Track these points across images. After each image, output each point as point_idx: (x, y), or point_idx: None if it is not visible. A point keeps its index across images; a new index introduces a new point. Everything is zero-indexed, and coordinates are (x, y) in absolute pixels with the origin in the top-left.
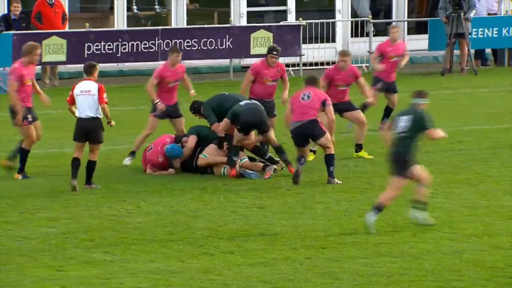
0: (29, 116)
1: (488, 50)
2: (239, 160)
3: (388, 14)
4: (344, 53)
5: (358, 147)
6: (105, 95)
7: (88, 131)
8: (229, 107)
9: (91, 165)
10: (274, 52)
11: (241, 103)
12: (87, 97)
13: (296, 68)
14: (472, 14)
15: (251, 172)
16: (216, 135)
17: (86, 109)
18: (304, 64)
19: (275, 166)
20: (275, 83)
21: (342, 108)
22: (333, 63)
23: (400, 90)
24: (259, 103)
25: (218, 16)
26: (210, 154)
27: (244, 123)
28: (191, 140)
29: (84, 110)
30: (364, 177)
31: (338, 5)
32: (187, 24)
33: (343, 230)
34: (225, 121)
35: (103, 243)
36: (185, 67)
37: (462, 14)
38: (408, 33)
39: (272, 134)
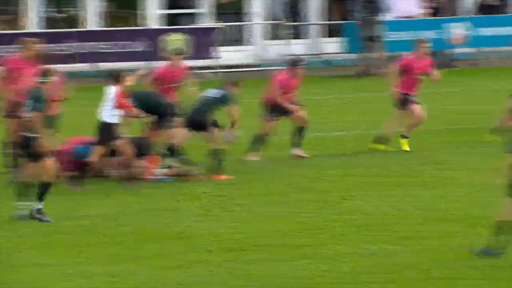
0: None
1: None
2: (158, 169)
3: (305, 17)
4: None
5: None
6: (123, 100)
7: None
8: (151, 102)
9: None
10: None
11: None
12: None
13: (214, 70)
14: (386, 18)
15: (166, 177)
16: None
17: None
18: (221, 67)
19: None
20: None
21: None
22: (249, 65)
23: (319, 93)
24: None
25: (134, 18)
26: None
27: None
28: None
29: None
30: (286, 180)
31: (254, 8)
32: (103, 27)
33: (264, 233)
34: None
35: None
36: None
37: (376, 17)
38: (324, 36)
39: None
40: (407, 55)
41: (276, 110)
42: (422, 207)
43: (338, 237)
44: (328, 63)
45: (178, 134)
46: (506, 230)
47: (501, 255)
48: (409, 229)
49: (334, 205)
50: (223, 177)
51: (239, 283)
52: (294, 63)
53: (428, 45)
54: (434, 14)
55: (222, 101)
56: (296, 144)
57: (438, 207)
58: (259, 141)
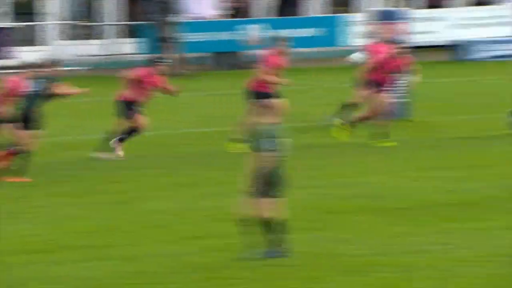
0: None
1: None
2: None
3: (101, 18)
4: None
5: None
6: None
7: None
8: None
9: None
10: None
11: None
12: None
13: (10, 71)
14: (184, 19)
15: None
16: None
17: None
18: (15, 67)
19: None
20: None
21: None
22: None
23: (115, 95)
24: None
25: None
26: None
27: None
28: None
29: None
30: (84, 181)
31: (51, 8)
32: None
33: (66, 234)
34: None
35: None
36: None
37: (169, 18)
38: (122, 37)
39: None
40: (269, 52)
41: (131, 108)
42: (206, 207)
43: (136, 237)
44: (126, 64)
45: (22, 137)
46: (271, 228)
47: (285, 253)
48: (192, 229)
49: (132, 205)
50: (19, 178)
51: (42, 286)
52: (155, 60)
53: (286, 42)
54: (234, 16)
55: (47, 87)
56: (117, 145)
57: (222, 207)
58: (108, 139)
